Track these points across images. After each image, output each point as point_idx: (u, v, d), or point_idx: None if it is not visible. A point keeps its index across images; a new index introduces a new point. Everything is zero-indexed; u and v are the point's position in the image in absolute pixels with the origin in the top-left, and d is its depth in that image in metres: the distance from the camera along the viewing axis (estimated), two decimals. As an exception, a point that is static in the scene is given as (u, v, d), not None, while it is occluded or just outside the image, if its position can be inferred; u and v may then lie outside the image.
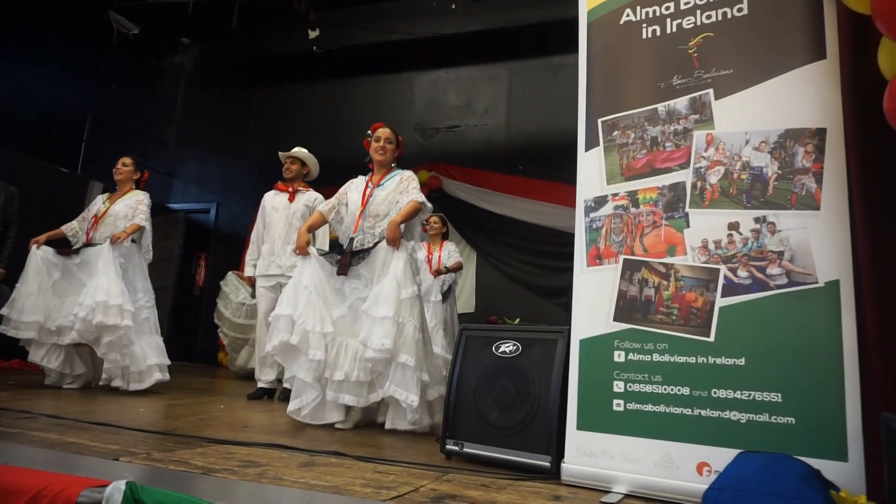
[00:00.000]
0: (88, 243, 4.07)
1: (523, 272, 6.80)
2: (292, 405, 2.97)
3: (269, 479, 1.79)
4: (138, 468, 1.83)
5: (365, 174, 3.40)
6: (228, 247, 8.10)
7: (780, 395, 1.68)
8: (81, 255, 3.98)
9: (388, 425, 2.95)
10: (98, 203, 4.29)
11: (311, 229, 3.26)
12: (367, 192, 3.21)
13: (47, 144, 7.40)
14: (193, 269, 8.39)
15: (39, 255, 3.97)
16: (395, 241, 2.95)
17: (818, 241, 1.70)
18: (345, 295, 2.98)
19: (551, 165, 6.21)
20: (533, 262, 6.75)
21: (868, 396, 1.74)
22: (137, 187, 4.34)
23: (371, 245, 3.05)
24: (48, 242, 4.11)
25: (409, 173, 3.30)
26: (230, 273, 6.29)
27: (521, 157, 7.01)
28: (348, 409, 3.04)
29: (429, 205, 3.16)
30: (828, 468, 1.54)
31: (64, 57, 7.69)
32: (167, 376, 4.08)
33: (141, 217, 4.10)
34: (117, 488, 1.48)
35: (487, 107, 7.40)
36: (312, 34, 7.95)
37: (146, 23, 8.03)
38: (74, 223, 4.27)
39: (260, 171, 8.31)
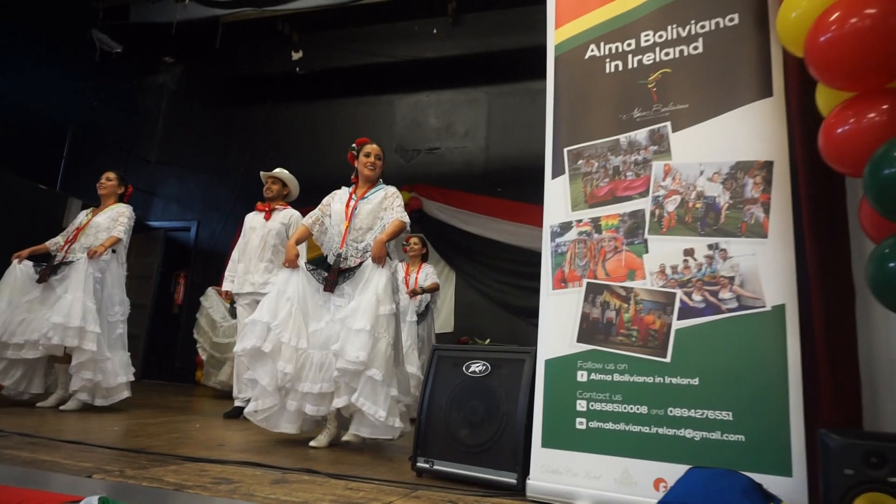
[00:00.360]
0: (65, 257, 4.07)
1: (501, 292, 6.88)
2: (250, 406, 3.04)
3: (240, 495, 1.84)
4: (111, 485, 1.86)
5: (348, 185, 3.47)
6: (209, 265, 8.07)
7: (731, 413, 1.77)
8: (60, 272, 3.98)
9: (352, 430, 3.00)
10: (81, 216, 4.33)
11: (299, 242, 3.32)
12: (352, 205, 3.28)
13: (26, 160, 7.37)
14: (172, 287, 8.36)
15: (20, 270, 3.97)
16: (380, 259, 3.02)
17: (766, 267, 1.81)
18: (328, 310, 3.04)
19: (528, 188, 6.27)
20: (510, 282, 6.84)
21: (816, 415, 1.84)
22: (121, 201, 4.38)
23: (357, 263, 3.12)
24: (31, 257, 4.11)
25: (393, 189, 3.37)
26: (210, 289, 6.30)
27: (499, 180, 7.13)
28: (314, 421, 3.10)
29: (408, 221, 3.24)
30: (774, 483, 1.63)
31: (46, 74, 7.71)
32: (129, 393, 4.10)
33: (120, 229, 4.13)
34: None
35: (467, 129, 7.53)
36: (296, 55, 8.07)
37: (129, 42, 8.09)
38: (59, 238, 4.29)
39: (241, 190, 8.34)
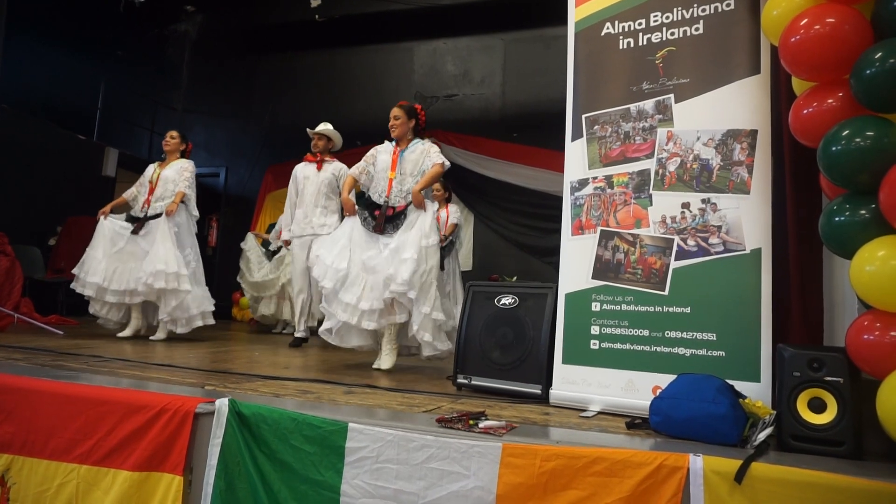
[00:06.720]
0: (148, 210, 4.64)
1: (517, 233, 7.33)
2: (324, 326, 3.56)
3: (326, 400, 2.34)
4: (222, 393, 2.35)
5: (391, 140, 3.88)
6: (239, 209, 8.54)
7: (715, 334, 2.22)
8: (145, 227, 4.51)
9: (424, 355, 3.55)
10: (150, 171, 4.85)
11: (349, 192, 3.78)
12: (396, 156, 3.73)
13: (64, 113, 7.74)
14: (206, 230, 8.86)
15: (107, 225, 4.54)
16: (420, 204, 3.52)
17: (747, 218, 2.22)
18: (376, 245, 3.53)
19: (543, 133, 6.65)
20: (525, 223, 7.27)
21: (786, 334, 2.28)
22: (183, 157, 4.85)
23: (402, 206, 3.59)
24: (114, 210, 4.70)
25: (429, 142, 3.83)
26: (249, 234, 6.80)
27: (515, 125, 7.45)
28: (372, 336, 3.59)
29: (447, 163, 3.69)
30: (746, 387, 2.09)
31: (75, 27, 7.98)
32: (210, 321, 4.72)
33: (184, 184, 4.66)
34: (223, 403, 2.02)
35: (484, 76, 7.79)
36: (314, 2, 8.23)
37: (151, -10, 8.28)
38: (133, 189, 4.87)
39: (265, 137, 8.70)
